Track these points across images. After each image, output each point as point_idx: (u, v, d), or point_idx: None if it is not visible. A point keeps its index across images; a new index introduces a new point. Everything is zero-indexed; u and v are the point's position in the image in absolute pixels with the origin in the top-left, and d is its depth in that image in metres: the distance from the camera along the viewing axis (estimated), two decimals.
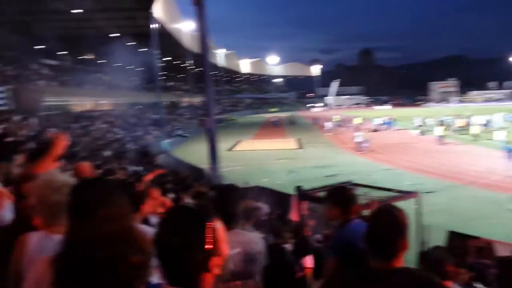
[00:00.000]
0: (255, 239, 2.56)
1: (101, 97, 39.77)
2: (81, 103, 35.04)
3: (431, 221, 6.97)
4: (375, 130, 38.59)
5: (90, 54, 42.64)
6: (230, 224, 2.29)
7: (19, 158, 2.84)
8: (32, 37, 30.17)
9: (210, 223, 1.22)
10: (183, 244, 1.16)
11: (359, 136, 28.14)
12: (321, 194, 10.82)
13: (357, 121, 43.62)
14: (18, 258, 1.89)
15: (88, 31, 30.32)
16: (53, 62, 40.07)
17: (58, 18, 28.45)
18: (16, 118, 18.95)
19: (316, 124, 50.52)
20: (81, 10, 26.27)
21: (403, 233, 1.88)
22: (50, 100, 29.22)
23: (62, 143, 2.95)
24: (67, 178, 2.16)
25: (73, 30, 30.97)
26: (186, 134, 34.56)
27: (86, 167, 3.94)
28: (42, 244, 1.87)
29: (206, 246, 1.18)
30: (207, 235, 1.19)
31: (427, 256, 3.33)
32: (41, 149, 3.50)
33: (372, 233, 1.91)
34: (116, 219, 1.38)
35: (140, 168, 14.12)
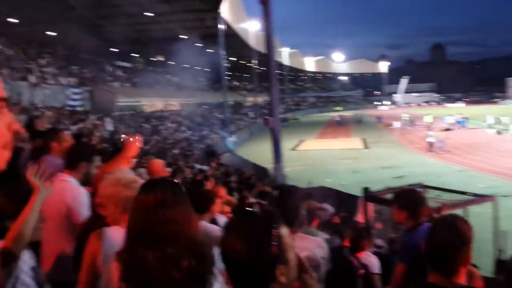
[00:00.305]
0: (319, 244, 2.52)
1: (170, 97, 41.36)
2: (151, 103, 36.64)
3: (509, 227, 6.50)
4: (447, 129, 36.68)
5: (160, 56, 44.47)
6: (292, 227, 2.27)
7: (98, 159, 3.05)
8: (107, 40, 32.03)
9: (276, 230, 1.18)
10: (249, 251, 1.14)
11: (431, 136, 26.87)
12: (389, 196, 10.49)
13: (427, 119, 41.72)
14: (93, 253, 2.00)
15: (159, 33, 31.57)
16: (126, 64, 42.31)
17: (131, 21, 29.89)
18: (91, 118, 20.20)
19: (383, 122, 48.98)
20: (152, 14, 27.40)
21: (465, 246, 1.73)
22: (123, 101, 30.87)
23: (135, 145, 3.05)
24: (135, 176, 2.27)
25: (145, 33, 32.45)
26: (227, 136, 33.77)
27: (159, 164, 4.05)
28: (117, 239, 1.97)
29: (272, 254, 1.15)
30: (273, 242, 1.16)
31: (506, 265, 3.11)
32: (114, 151, 3.71)
33: (430, 245, 1.78)
34: (172, 222, 1.43)
35: (206, 167, 14.50)
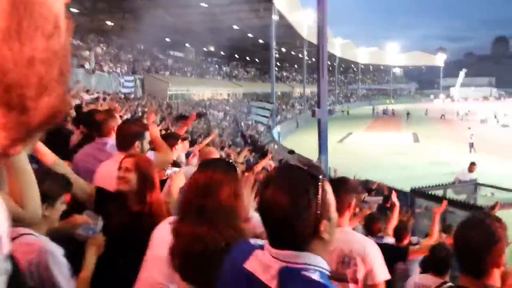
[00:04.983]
0: (358, 240, 2.37)
1: (219, 87, 41.83)
2: (201, 92, 37.27)
3: None
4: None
5: (212, 46, 44.78)
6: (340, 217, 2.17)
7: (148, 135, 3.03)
8: (161, 30, 32.73)
9: (320, 184, 1.10)
10: (293, 204, 1.07)
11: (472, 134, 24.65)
12: (437, 192, 10.06)
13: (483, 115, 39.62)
14: None
15: (212, 24, 31.68)
16: (178, 54, 43.12)
17: (186, 12, 30.19)
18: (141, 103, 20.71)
19: (437, 117, 47.09)
20: (207, 5, 27.45)
21: (495, 247, 1.59)
22: (174, 89, 31.58)
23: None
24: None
25: (198, 23, 32.72)
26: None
27: (212, 153, 3.97)
28: None
29: (316, 208, 1.08)
30: (316, 197, 1.08)
31: None
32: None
33: (459, 244, 1.67)
34: (222, 199, 1.60)
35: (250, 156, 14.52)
